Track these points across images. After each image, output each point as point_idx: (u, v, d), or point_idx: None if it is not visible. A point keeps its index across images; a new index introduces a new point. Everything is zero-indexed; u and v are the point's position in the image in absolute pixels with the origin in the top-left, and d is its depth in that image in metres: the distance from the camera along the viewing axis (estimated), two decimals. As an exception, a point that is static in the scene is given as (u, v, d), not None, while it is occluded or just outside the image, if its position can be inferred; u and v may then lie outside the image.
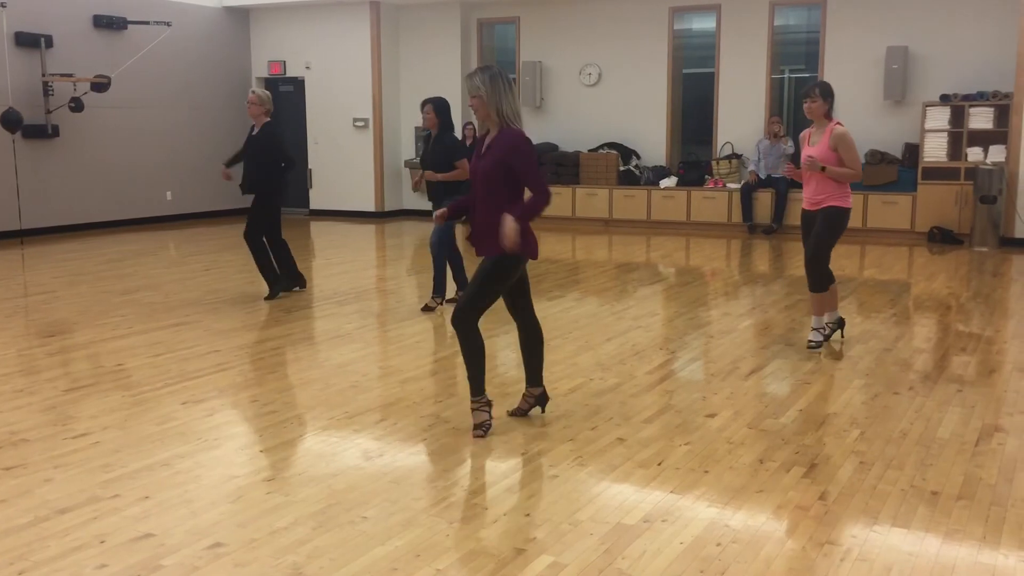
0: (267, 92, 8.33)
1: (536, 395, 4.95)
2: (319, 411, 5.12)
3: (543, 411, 4.97)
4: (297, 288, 8.61)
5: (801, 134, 6.52)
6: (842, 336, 6.62)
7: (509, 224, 4.40)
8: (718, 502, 3.83)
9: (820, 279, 6.34)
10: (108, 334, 6.97)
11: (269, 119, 8.19)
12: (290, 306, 8.05)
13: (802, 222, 6.45)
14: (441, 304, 7.81)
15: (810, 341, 6.42)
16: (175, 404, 5.24)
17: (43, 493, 3.95)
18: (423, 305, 7.82)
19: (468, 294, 4.61)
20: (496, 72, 4.53)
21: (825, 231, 6.26)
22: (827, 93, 6.21)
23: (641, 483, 4.04)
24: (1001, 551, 3.40)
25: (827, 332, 6.50)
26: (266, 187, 8.17)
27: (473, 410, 4.71)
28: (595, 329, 7.08)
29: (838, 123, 6.25)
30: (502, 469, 4.24)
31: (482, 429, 4.65)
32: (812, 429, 4.75)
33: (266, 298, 8.25)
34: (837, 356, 6.22)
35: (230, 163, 8.58)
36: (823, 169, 6.13)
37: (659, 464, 4.26)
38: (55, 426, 4.85)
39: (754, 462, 4.28)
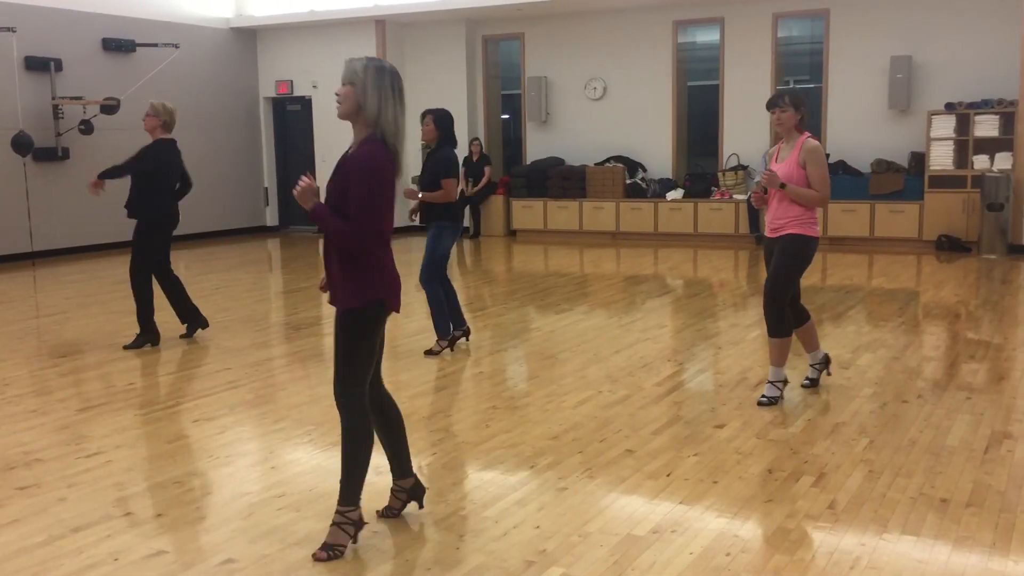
0: (165, 104, 7.14)
1: (407, 487, 3.82)
2: (329, 427, 5.14)
3: (420, 507, 3.87)
4: (199, 329, 7.45)
5: (769, 151, 5.66)
6: (828, 374, 5.79)
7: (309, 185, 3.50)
8: (727, 512, 3.84)
9: (777, 321, 5.37)
10: (119, 354, 7.01)
11: (167, 135, 7.12)
12: (299, 323, 8.09)
13: (764, 251, 5.60)
14: (461, 336, 6.97)
15: (763, 396, 5.38)
16: (186, 422, 5.27)
17: (57, 512, 3.98)
18: (427, 349, 6.85)
19: (337, 357, 3.55)
20: (384, 67, 3.52)
21: (782, 264, 5.33)
22: (798, 102, 5.34)
23: (650, 494, 4.05)
24: (1011, 558, 3.40)
25: (814, 375, 5.72)
26: (146, 212, 7.10)
27: (335, 525, 3.53)
28: (603, 342, 7.09)
29: (809, 136, 5.40)
30: (511, 482, 4.26)
31: (330, 552, 3.46)
32: (821, 438, 4.76)
33: (126, 346, 7.13)
34: (845, 365, 6.22)
35: (106, 174, 7.17)
36: (783, 186, 5.25)
37: (668, 475, 4.27)
38: (68, 445, 4.88)
39: (763, 472, 4.29)
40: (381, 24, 14.84)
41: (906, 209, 11.94)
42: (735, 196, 13.06)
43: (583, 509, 3.90)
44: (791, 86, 13.53)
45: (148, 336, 7.19)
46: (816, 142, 5.40)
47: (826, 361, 5.79)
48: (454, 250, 13.36)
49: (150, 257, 7.18)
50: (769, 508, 3.88)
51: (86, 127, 12.77)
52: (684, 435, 4.85)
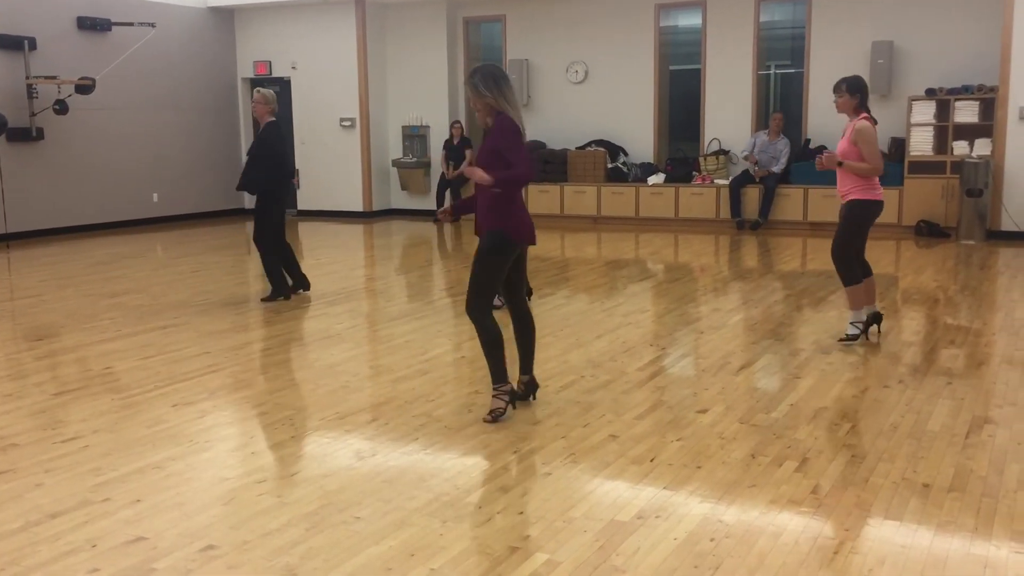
0: (271, 91, 8.06)
1: (525, 381, 5.07)
2: (310, 412, 5.11)
3: (533, 399, 5.10)
4: (301, 291, 8.39)
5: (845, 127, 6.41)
6: (879, 331, 6.54)
7: (479, 172, 4.61)
8: (711, 497, 3.84)
9: (846, 273, 6.29)
10: (96, 337, 6.93)
11: (273, 118, 7.98)
12: (280, 307, 8.02)
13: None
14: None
15: (846, 335, 6.36)
16: (165, 406, 5.21)
17: (33, 497, 3.92)
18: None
19: (471, 280, 4.75)
20: (488, 71, 4.75)
21: (844, 226, 6.28)
22: (855, 88, 6.15)
23: (634, 479, 4.04)
24: (993, 542, 3.42)
25: (862, 328, 6.41)
26: (262, 187, 8.03)
27: (493, 396, 4.87)
28: (585, 326, 7.08)
29: (864, 117, 6.18)
30: (495, 467, 4.24)
31: (493, 415, 4.80)
32: (803, 423, 4.77)
33: (263, 299, 8.17)
34: (826, 350, 6.24)
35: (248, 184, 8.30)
36: (840, 164, 6.12)
37: (652, 460, 4.26)
38: (44, 430, 4.82)
39: (746, 457, 4.29)
40: (361, 5, 14.70)
41: (886, 194, 11.94)
42: (716, 181, 13.06)
43: (567, 494, 3.88)
44: (772, 71, 13.53)
45: (280, 290, 8.18)
46: (865, 122, 6.16)
47: (876, 318, 6.50)
48: (435, 234, 13.38)
49: (269, 228, 8.07)
50: (753, 493, 3.88)
51: (61, 107, 12.59)
52: (667, 420, 4.84)
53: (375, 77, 15.12)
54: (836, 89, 6.22)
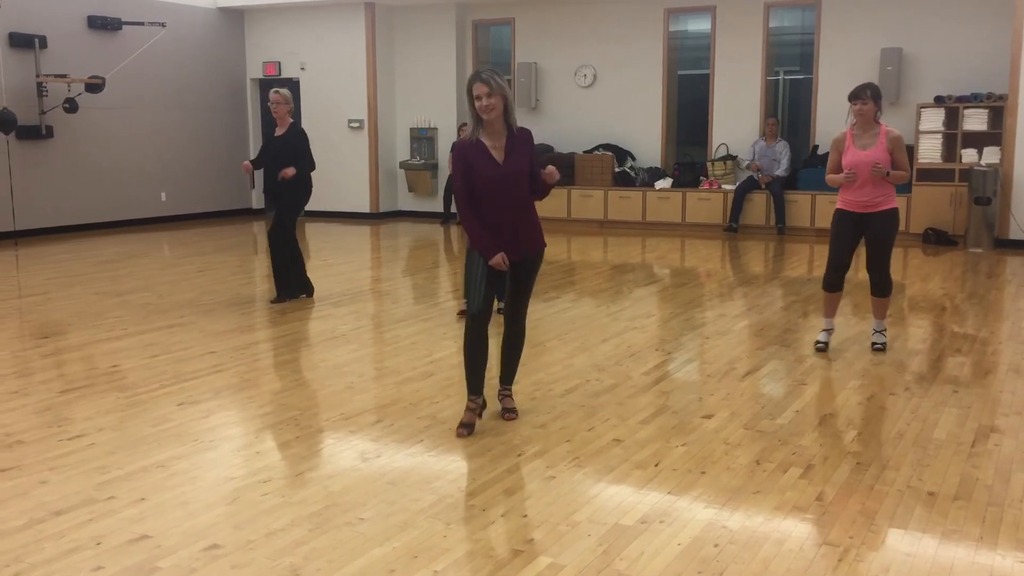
0: (288, 91, 8.14)
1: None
2: (315, 412, 5.11)
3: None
4: (304, 296, 8.38)
5: (836, 137, 6.33)
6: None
7: (555, 172, 4.75)
8: (715, 503, 3.83)
9: (890, 282, 6.33)
10: (103, 335, 6.95)
11: (292, 119, 8.08)
12: (285, 308, 8.03)
13: (845, 224, 6.30)
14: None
15: (875, 344, 6.38)
16: (171, 405, 5.22)
17: (39, 495, 3.93)
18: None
19: (527, 294, 4.92)
20: (495, 71, 4.62)
21: (891, 233, 6.23)
22: (878, 95, 6.10)
23: (638, 484, 4.04)
24: (998, 552, 3.40)
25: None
26: (299, 190, 8.06)
27: (508, 396, 5.01)
28: (591, 330, 7.07)
29: (888, 126, 6.16)
30: (499, 470, 4.24)
31: (516, 412, 4.96)
32: (809, 430, 4.76)
33: (272, 301, 8.17)
34: (832, 357, 6.23)
35: (255, 164, 8.35)
36: (888, 174, 6.03)
37: (656, 465, 4.26)
38: (50, 428, 4.83)
39: (751, 463, 4.28)
40: (371, 7, 14.73)
41: (893, 202, 11.93)
42: (723, 186, 13.05)
43: (571, 498, 3.88)
44: (781, 76, 13.52)
45: (304, 288, 8.34)
46: (898, 131, 6.20)
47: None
48: (441, 236, 13.38)
49: (293, 226, 8.20)
50: (757, 499, 3.87)
51: (70, 105, 12.63)
52: (672, 425, 4.83)
53: (384, 79, 15.15)
54: (859, 95, 6.06)
